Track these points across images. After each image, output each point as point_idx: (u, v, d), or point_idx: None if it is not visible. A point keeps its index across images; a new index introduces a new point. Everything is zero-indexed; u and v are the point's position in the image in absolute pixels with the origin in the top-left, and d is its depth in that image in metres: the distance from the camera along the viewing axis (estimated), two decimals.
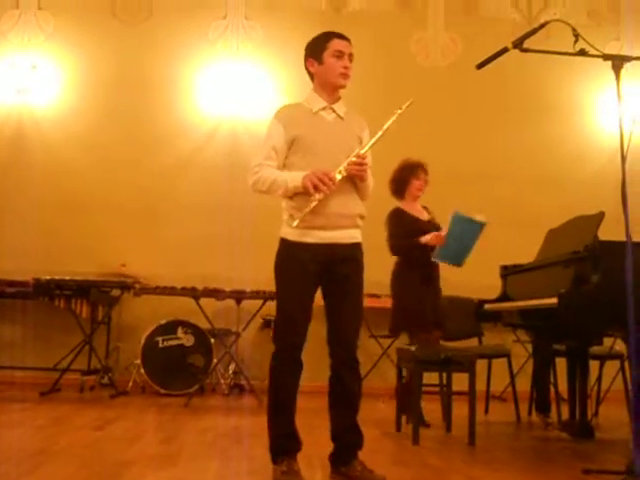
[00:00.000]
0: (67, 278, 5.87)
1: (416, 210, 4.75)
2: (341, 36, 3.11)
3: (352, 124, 3.13)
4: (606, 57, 3.06)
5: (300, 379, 3.04)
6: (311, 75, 3.17)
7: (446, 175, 6.56)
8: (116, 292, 6.11)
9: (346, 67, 3.05)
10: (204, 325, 5.92)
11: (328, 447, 3.05)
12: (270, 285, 5.74)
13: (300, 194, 2.95)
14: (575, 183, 6.73)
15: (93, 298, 5.93)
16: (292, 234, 3.01)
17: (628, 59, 3.07)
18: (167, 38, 6.98)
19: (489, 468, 3.41)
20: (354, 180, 3.02)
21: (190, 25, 7.01)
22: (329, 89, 3.10)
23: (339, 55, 3.05)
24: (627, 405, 4.81)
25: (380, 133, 3.03)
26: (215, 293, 5.66)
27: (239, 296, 5.72)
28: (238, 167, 6.69)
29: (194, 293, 5.62)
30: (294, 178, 2.94)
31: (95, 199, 6.72)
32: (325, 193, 2.87)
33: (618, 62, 3.04)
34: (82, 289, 5.88)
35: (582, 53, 3.06)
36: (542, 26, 3.09)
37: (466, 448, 3.94)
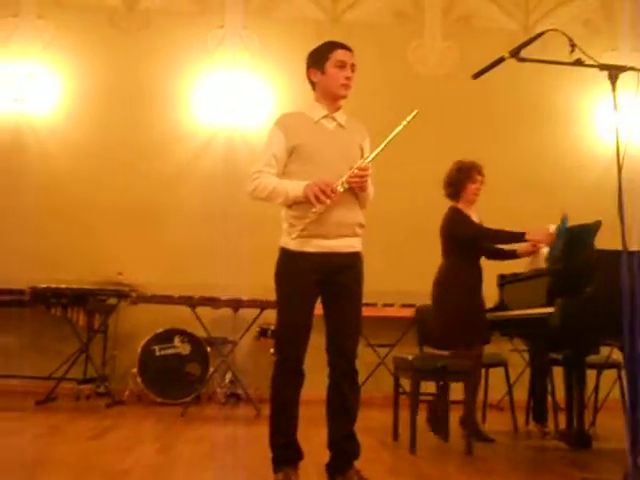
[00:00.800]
0: (63, 286, 5.86)
1: (472, 214, 4.63)
2: (344, 46, 3.11)
3: (353, 133, 3.14)
4: (602, 67, 3.07)
5: (301, 389, 3.05)
6: (313, 84, 3.16)
7: (438, 183, 6.57)
8: (113, 300, 6.10)
9: (348, 78, 3.06)
10: (201, 334, 5.91)
11: (325, 456, 3.04)
12: (267, 294, 5.76)
13: (300, 203, 2.94)
14: (572, 192, 6.73)
15: (90, 306, 5.92)
16: (292, 243, 3.00)
17: (624, 69, 3.08)
18: (165, 47, 6.99)
19: (486, 478, 3.40)
20: (354, 190, 3.01)
21: (188, 34, 7.03)
22: (330, 99, 3.11)
23: (341, 65, 3.06)
24: (624, 414, 4.81)
25: (384, 144, 3.02)
26: (212, 302, 5.65)
27: (236, 305, 5.71)
28: (234, 176, 6.70)
29: (191, 302, 5.61)
30: (295, 187, 2.93)
31: (92, 207, 6.71)
32: (326, 204, 2.86)
33: (614, 72, 3.05)
34: (79, 297, 5.87)
35: (578, 63, 3.07)
36: (539, 36, 3.10)
37: (463, 457, 3.93)
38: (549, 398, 4.91)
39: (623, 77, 3.07)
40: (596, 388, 5.08)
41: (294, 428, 3.03)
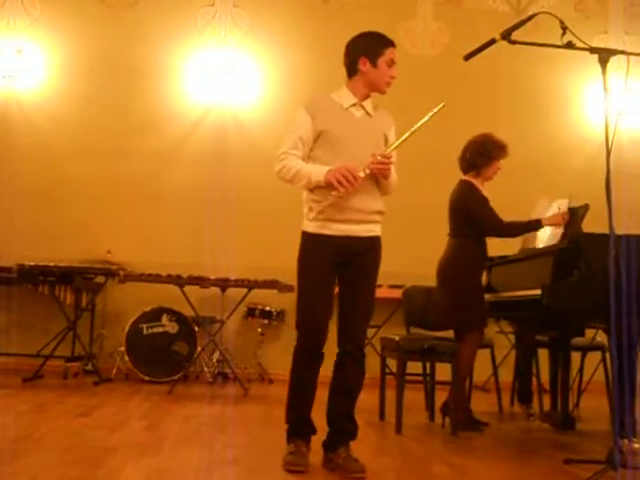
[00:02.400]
0: (51, 264, 5.84)
1: (484, 192, 4.44)
2: (394, 45, 3.17)
3: (379, 121, 3.19)
4: (593, 50, 3.07)
5: (319, 369, 3.11)
6: (354, 70, 3.16)
7: (431, 165, 6.57)
8: (100, 279, 6.09)
9: (393, 77, 3.14)
10: (188, 313, 5.92)
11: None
12: (254, 274, 5.78)
13: (321, 188, 3.00)
14: (561, 175, 6.75)
15: (77, 285, 5.91)
16: (312, 227, 3.08)
17: (614, 52, 3.08)
18: (155, 24, 6.93)
19: (471, 457, 3.44)
20: (376, 177, 3.06)
21: (178, 12, 6.97)
22: (369, 90, 3.16)
23: (390, 64, 3.12)
24: (608, 396, 4.86)
25: (407, 134, 3.07)
26: (200, 281, 5.65)
27: (223, 284, 5.71)
28: (224, 154, 6.70)
29: (179, 281, 5.61)
30: (318, 172, 2.99)
31: (81, 185, 6.68)
32: (347, 190, 2.92)
33: (604, 55, 3.05)
34: (66, 276, 5.85)
35: (569, 46, 3.07)
36: (530, 18, 3.09)
37: (448, 437, 3.97)
38: (534, 380, 4.96)
39: (614, 60, 3.07)
40: (580, 370, 5.13)
41: (309, 405, 3.11)
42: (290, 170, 3.04)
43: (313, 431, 3.12)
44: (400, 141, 3.08)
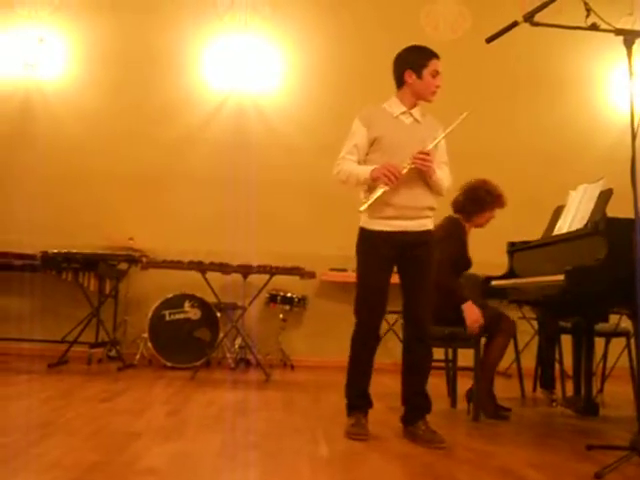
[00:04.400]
0: (74, 251, 5.88)
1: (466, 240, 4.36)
2: (438, 56, 3.48)
3: (427, 127, 3.49)
4: (618, 32, 3.02)
5: (376, 350, 3.48)
6: (402, 82, 3.48)
7: (453, 150, 6.52)
8: (123, 266, 6.13)
9: (438, 86, 3.47)
10: (210, 299, 5.95)
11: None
12: (276, 259, 5.81)
13: (372, 185, 3.34)
14: (584, 160, 6.69)
15: (100, 271, 5.95)
16: (368, 223, 3.43)
17: None
18: (175, 11, 6.94)
19: (493, 443, 3.43)
20: (422, 174, 3.34)
21: None
22: (417, 99, 3.49)
23: (435, 75, 3.45)
24: (632, 382, 4.82)
25: (445, 133, 3.43)
26: (222, 267, 5.67)
27: (245, 270, 5.72)
28: (245, 141, 6.71)
29: (201, 267, 5.63)
30: (365, 170, 3.36)
31: (103, 172, 6.73)
32: (392, 183, 3.23)
33: (630, 37, 3.00)
34: (90, 262, 5.89)
35: (594, 28, 3.02)
36: (553, 0, 3.04)
37: (471, 423, 3.97)
38: (557, 365, 4.93)
39: (639, 43, 3.02)
40: (604, 356, 5.09)
41: (367, 382, 3.49)
42: (344, 172, 3.42)
43: (370, 404, 3.51)
44: (438, 140, 3.42)
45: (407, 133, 3.43)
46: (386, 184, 3.24)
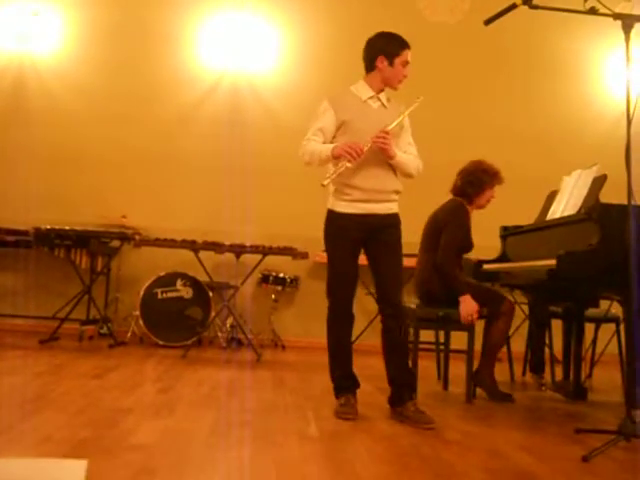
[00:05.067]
0: (67, 228, 5.86)
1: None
2: (409, 47, 3.52)
3: (393, 111, 3.54)
4: (616, 16, 3.01)
5: (352, 328, 3.56)
6: (372, 67, 3.53)
7: (448, 133, 6.52)
8: (116, 243, 6.12)
9: (405, 76, 3.53)
10: (203, 278, 5.95)
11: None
12: (269, 240, 5.80)
13: (333, 161, 3.41)
14: (579, 145, 6.69)
15: (93, 249, 5.94)
16: (336, 205, 3.51)
17: (639, 19, 3.02)
18: None
19: (484, 424, 3.46)
20: (381, 153, 3.39)
21: None
22: (383, 85, 3.55)
23: (405, 65, 3.50)
24: (620, 368, 4.86)
25: (400, 118, 3.46)
26: (214, 246, 5.67)
27: (238, 250, 5.71)
28: (239, 120, 6.68)
29: (194, 246, 5.63)
30: (327, 148, 3.41)
31: (96, 149, 6.69)
32: (354, 159, 3.27)
33: (629, 22, 2.99)
34: (82, 239, 5.88)
35: (592, 12, 3.02)
36: None
37: (462, 405, 3.99)
38: (546, 350, 4.95)
39: (637, 28, 3.01)
40: (594, 341, 5.12)
41: (349, 362, 3.55)
42: (306, 153, 3.47)
43: (357, 385, 3.56)
44: (396, 122, 3.43)
45: (374, 117, 3.48)
46: (349, 161, 3.27)
